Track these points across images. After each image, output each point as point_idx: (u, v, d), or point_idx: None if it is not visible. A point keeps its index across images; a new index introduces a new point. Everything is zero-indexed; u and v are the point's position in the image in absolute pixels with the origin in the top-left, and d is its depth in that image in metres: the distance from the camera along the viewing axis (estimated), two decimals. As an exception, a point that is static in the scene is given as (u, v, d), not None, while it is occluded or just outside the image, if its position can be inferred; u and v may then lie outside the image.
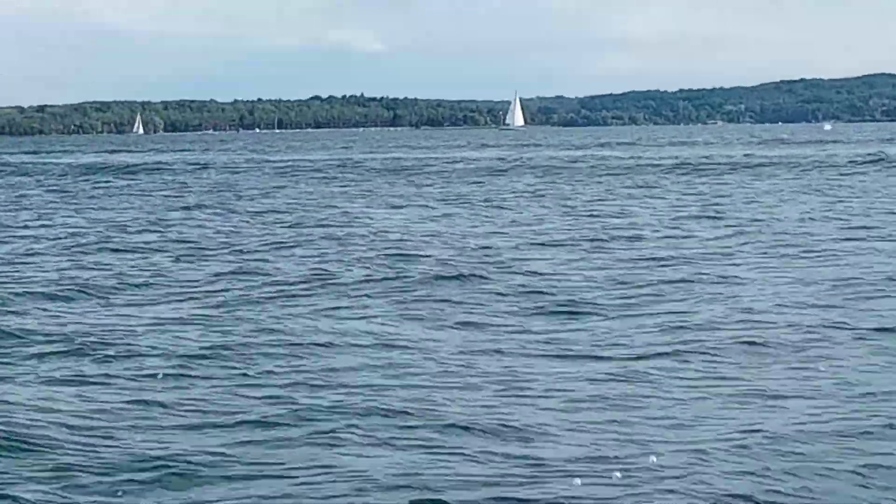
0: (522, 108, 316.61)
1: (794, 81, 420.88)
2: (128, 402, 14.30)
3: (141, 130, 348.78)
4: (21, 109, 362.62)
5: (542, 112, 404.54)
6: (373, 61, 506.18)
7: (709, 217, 39.15)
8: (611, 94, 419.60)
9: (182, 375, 15.78)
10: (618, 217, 40.26)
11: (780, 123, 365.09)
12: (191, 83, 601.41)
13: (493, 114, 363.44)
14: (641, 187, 58.08)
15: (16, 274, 26.77)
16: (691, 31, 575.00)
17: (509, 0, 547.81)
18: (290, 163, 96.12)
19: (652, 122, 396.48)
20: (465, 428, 12.82)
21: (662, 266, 26.23)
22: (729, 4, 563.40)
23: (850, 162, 75.37)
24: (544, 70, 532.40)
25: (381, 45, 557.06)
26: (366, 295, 22.65)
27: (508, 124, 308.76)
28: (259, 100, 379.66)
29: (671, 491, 10.73)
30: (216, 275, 25.99)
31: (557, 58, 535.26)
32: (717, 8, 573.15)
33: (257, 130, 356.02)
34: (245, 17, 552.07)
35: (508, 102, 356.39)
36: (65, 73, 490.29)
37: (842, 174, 65.16)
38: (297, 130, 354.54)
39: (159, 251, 31.09)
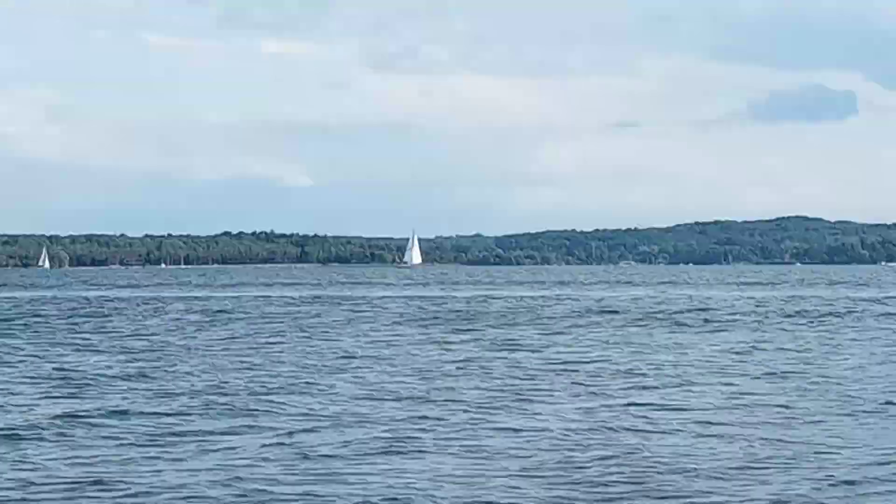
0: (420, 247, 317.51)
1: (708, 223, 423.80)
2: None
3: (47, 265, 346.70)
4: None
5: (457, 250, 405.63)
6: (297, 196, 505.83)
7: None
8: (527, 234, 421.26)
9: None
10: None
11: (690, 265, 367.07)
12: (104, 216, 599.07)
13: (402, 251, 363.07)
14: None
15: None
16: (611, 167, 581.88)
17: (443, 136, 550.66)
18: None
19: (564, 261, 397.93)
20: None
21: None
22: (647, 142, 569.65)
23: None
24: (465, 207, 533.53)
25: (310, 180, 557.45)
26: None
27: (406, 262, 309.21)
28: (169, 235, 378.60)
29: None
30: None
31: (479, 195, 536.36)
32: (637, 144, 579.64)
33: (163, 266, 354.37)
34: (168, 147, 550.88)
35: (422, 240, 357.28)
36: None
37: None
38: (204, 266, 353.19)
39: None
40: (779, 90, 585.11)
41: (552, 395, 26.58)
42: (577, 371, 31.93)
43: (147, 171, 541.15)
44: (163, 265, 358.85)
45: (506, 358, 36.24)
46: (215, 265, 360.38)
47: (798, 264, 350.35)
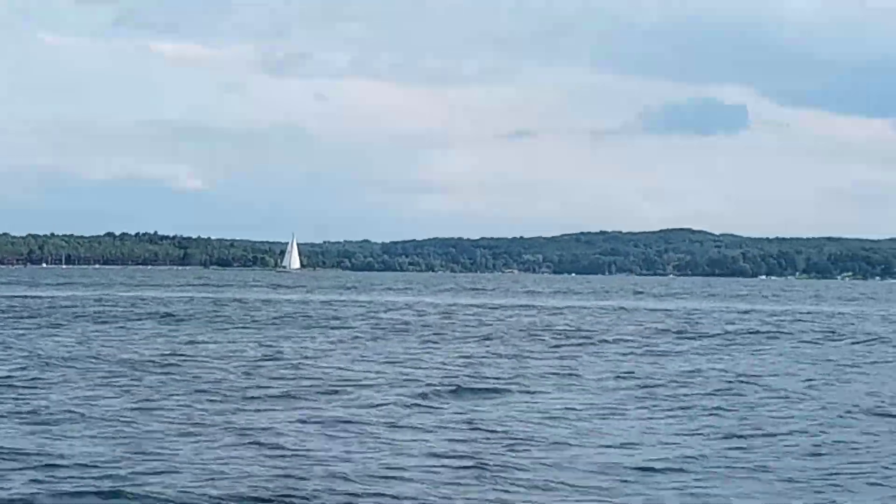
0: (301, 252, 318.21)
1: (594, 234, 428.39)
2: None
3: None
4: None
5: (343, 255, 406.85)
6: (186, 199, 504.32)
7: None
8: (413, 241, 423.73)
9: None
10: None
11: (573, 275, 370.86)
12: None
13: (284, 255, 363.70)
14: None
15: None
16: (502, 176, 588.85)
17: (335, 142, 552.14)
18: None
19: (449, 269, 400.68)
20: None
21: None
22: (540, 152, 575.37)
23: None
24: (355, 213, 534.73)
25: (199, 183, 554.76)
26: None
27: (285, 267, 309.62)
28: (52, 234, 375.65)
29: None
30: None
31: (370, 201, 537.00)
32: (529, 154, 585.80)
33: (44, 266, 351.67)
34: (58, 147, 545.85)
35: (307, 244, 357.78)
36: None
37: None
38: (85, 266, 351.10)
39: None
40: (672, 102, 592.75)
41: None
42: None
43: (34, 170, 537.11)
44: (44, 265, 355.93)
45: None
46: (96, 265, 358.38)
47: (672, 276, 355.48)
